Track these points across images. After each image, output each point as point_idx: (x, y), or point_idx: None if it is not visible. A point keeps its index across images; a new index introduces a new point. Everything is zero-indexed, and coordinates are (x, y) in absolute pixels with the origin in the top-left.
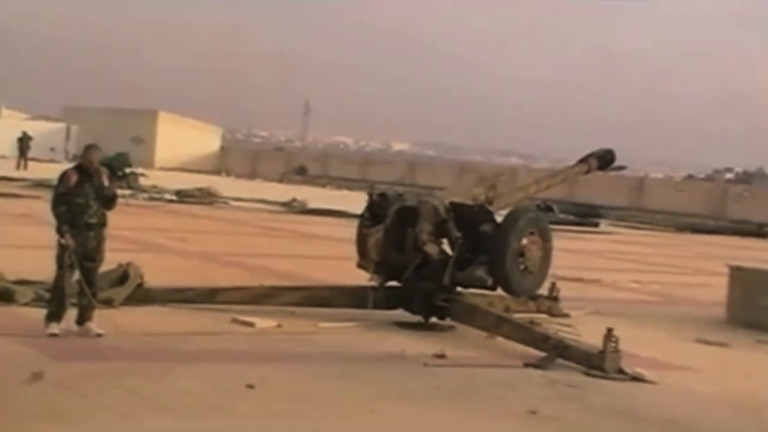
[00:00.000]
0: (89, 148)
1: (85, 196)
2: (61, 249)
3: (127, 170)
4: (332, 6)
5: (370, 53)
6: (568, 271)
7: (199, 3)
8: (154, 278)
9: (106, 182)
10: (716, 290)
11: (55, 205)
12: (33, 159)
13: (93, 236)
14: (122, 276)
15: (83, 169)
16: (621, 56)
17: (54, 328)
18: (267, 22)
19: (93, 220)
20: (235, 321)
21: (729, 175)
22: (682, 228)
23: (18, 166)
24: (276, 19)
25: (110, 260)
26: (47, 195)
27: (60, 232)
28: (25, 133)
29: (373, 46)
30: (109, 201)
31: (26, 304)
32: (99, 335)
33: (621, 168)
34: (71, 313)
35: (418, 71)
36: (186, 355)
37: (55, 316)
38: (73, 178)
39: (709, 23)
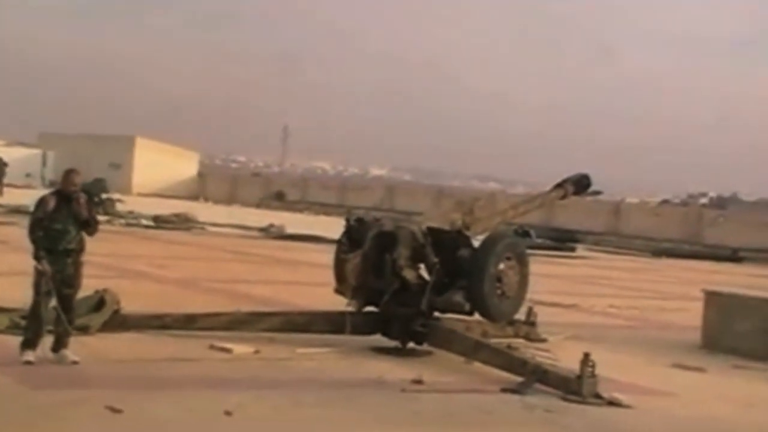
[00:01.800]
0: (70, 172)
1: (63, 221)
2: (38, 275)
3: (104, 196)
4: (311, 32)
5: (349, 79)
6: (545, 296)
7: (175, 28)
8: (131, 304)
9: (83, 205)
10: (692, 315)
11: (32, 230)
12: (9, 185)
13: (71, 263)
14: (99, 302)
15: (62, 195)
16: (599, 81)
17: (29, 355)
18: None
19: (71, 246)
20: (212, 347)
21: (703, 200)
22: (658, 252)
23: None
24: (254, 44)
25: (87, 287)
26: (23, 221)
27: (37, 258)
28: (0, 159)
29: (352, 72)
30: (88, 226)
31: (1, 332)
32: (75, 362)
33: (597, 193)
34: (46, 340)
35: (396, 97)
36: (163, 381)
37: (30, 343)
38: (51, 203)
39: (685, 48)
